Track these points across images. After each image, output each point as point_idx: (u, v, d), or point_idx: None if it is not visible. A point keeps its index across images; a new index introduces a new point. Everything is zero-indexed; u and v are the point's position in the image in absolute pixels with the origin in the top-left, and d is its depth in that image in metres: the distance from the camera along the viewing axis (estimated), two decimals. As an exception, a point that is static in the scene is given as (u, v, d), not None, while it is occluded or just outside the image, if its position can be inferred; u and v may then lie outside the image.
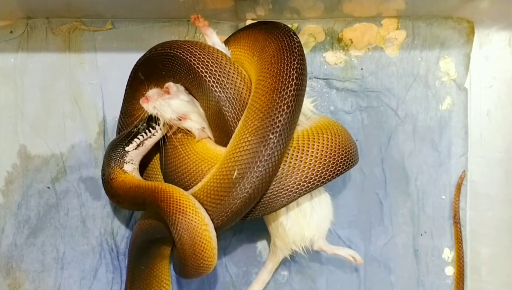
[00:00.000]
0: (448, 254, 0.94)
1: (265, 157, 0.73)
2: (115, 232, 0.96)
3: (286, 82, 0.75)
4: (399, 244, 0.95)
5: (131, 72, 0.89)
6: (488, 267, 0.94)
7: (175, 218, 0.75)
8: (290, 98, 0.75)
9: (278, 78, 0.76)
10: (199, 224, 0.74)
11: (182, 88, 0.84)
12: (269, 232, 0.88)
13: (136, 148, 0.85)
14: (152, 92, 0.82)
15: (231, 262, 0.95)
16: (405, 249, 0.95)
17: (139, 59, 0.88)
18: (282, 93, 0.75)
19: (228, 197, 0.74)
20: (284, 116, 0.74)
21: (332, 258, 0.93)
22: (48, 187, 0.96)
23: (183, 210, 0.75)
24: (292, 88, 0.75)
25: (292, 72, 0.76)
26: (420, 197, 0.95)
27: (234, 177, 0.74)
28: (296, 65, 0.77)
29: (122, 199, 0.85)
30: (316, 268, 0.94)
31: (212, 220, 0.76)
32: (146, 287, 0.88)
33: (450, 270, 0.94)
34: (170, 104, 0.81)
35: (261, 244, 0.95)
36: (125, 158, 0.84)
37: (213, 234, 0.76)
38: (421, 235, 0.94)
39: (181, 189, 0.78)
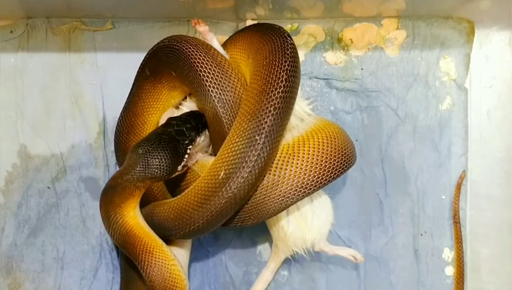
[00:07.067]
0: (448, 254, 0.94)
1: (251, 158, 0.73)
2: (115, 232, 0.96)
3: (275, 84, 0.74)
4: (399, 244, 0.95)
5: (139, 68, 0.89)
6: (488, 267, 0.94)
7: (142, 258, 0.78)
8: (278, 99, 0.74)
9: (267, 79, 0.75)
10: (166, 260, 0.78)
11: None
12: (271, 234, 0.88)
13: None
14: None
15: (231, 262, 0.95)
16: (405, 249, 0.95)
17: (147, 54, 0.87)
18: (270, 95, 0.74)
19: (214, 197, 0.74)
20: (270, 117, 0.73)
21: (332, 258, 0.93)
22: (48, 187, 0.96)
23: (149, 250, 0.78)
24: (280, 90, 0.74)
25: (281, 73, 0.75)
26: (420, 197, 0.95)
27: (220, 177, 0.74)
28: (286, 66, 0.76)
29: None
30: (316, 268, 0.94)
31: (197, 220, 0.76)
32: (141, 287, 0.88)
33: (450, 270, 0.94)
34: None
35: (262, 244, 0.95)
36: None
37: (181, 266, 0.79)
38: (421, 235, 0.94)
39: (150, 231, 0.80)
